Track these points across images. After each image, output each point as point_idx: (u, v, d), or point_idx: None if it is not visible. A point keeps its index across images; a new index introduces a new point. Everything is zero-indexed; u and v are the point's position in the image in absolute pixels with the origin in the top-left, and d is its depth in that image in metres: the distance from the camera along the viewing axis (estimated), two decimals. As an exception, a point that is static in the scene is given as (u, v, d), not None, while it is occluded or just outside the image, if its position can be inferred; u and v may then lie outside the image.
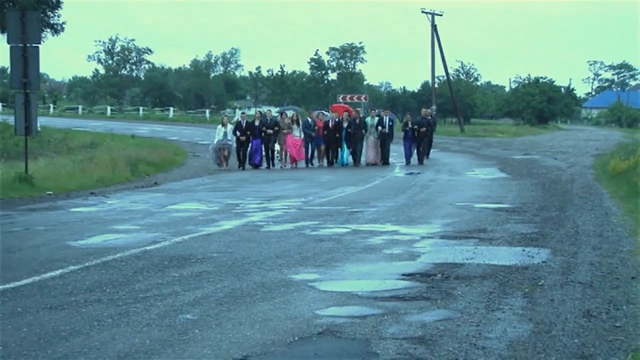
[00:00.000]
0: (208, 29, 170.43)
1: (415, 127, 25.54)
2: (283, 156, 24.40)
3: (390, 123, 25.06)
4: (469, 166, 24.26)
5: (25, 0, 30.07)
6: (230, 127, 24.02)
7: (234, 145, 23.89)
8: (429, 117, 27.29)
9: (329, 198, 15.20)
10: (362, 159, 25.02)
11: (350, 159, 24.79)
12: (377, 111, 26.80)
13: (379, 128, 24.69)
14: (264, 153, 23.94)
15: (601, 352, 5.28)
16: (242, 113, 27.21)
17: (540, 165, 24.62)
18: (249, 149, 23.79)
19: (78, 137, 33.29)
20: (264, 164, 23.87)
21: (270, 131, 23.77)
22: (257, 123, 23.93)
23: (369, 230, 10.65)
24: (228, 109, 63.49)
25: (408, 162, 25.04)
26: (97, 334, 5.57)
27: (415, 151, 25.57)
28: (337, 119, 25.13)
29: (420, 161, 25.13)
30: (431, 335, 5.60)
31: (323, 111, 29.88)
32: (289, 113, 27.06)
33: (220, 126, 24.16)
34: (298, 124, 24.27)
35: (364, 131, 24.56)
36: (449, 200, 14.54)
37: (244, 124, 23.80)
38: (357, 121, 24.74)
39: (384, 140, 24.96)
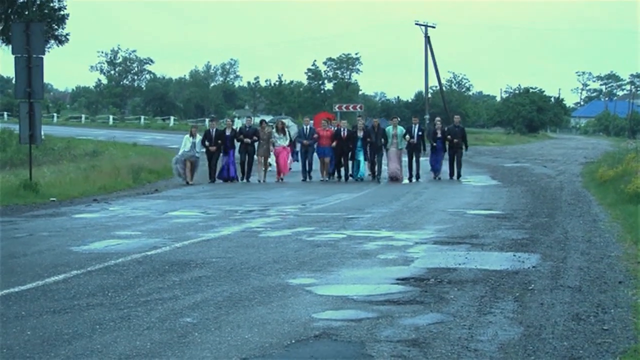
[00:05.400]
0: (207, 40, 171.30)
1: (449, 137, 22.01)
2: (262, 170, 21.50)
3: (420, 133, 21.78)
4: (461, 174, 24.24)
5: (31, 12, 30.36)
6: (199, 137, 21.22)
7: (201, 157, 21.24)
8: (460, 125, 23.14)
9: (325, 205, 15.34)
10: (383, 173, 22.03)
11: (367, 172, 21.73)
12: (399, 120, 23.06)
13: (407, 137, 21.55)
14: (238, 166, 21.49)
15: (590, 355, 5.37)
16: (248, 118, 24.61)
17: (530, 172, 24.76)
18: (220, 161, 21.27)
19: (81, 145, 33.50)
20: (239, 178, 21.32)
21: (248, 140, 21.22)
22: (228, 132, 21.37)
23: (364, 236, 10.77)
24: (227, 119, 63.77)
25: (437, 176, 21.95)
26: (99, 337, 5.66)
27: (448, 164, 22.20)
28: (350, 128, 22.12)
29: (457, 176, 21.83)
30: (424, 338, 5.69)
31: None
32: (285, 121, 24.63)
33: (187, 136, 21.31)
34: (284, 133, 21.76)
35: (383, 140, 21.46)
36: (441, 207, 14.69)
37: (214, 133, 21.21)
38: (376, 129, 21.66)
39: (413, 153, 21.65)
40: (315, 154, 22.03)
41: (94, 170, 21.49)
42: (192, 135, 21.17)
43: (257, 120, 37.75)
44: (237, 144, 21.48)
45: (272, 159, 22.22)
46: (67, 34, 32.88)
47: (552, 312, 6.48)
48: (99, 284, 7.49)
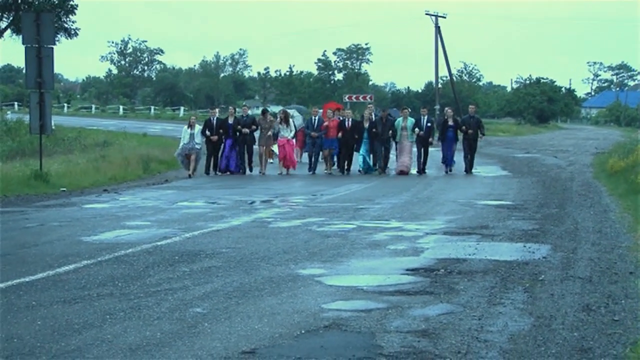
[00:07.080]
0: (214, 35, 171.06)
1: (463, 127, 21.04)
2: (263, 161, 20.75)
3: (429, 124, 20.88)
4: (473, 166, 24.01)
5: (40, 3, 30.45)
6: (198, 128, 20.24)
7: (203, 148, 20.40)
8: (476, 115, 22.04)
9: (334, 195, 15.33)
10: (391, 166, 21.19)
11: (376, 166, 20.80)
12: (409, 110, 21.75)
13: (416, 130, 20.54)
14: (239, 157, 20.45)
15: (600, 345, 5.36)
16: (244, 107, 23.47)
17: (541, 163, 24.67)
18: (221, 151, 20.34)
19: (91, 135, 33.54)
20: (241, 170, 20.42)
21: (246, 130, 20.24)
22: (230, 120, 20.41)
23: (374, 227, 10.76)
24: (230, 107, 63.70)
25: (449, 169, 21.02)
26: (110, 327, 5.69)
27: (462, 157, 21.09)
28: (356, 118, 21.18)
29: (468, 169, 20.86)
30: (434, 328, 5.69)
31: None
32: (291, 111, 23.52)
33: (186, 127, 20.39)
34: (287, 124, 20.83)
35: (391, 132, 20.50)
36: (451, 198, 14.66)
37: (215, 122, 20.35)
38: (384, 120, 20.63)
39: (422, 145, 20.71)
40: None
41: (104, 161, 21.57)
42: (191, 126, 20.24)
43: (257, 111, 37.40)
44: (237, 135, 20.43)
45: (274, 148, 21.42)
46: (76, 28, 32.96)
47: (562, 303, 6.46)
48: (109, 274, 7.52)
